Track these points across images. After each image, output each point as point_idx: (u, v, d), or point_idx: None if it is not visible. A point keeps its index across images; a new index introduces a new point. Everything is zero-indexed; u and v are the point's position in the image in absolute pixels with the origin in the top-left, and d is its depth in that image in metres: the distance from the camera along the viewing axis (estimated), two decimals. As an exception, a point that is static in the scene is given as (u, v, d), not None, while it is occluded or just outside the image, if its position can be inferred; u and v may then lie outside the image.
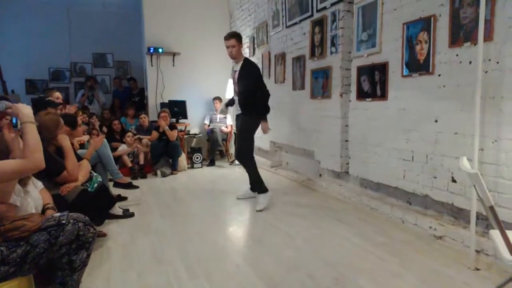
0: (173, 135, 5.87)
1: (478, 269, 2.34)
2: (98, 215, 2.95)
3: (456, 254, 2.57)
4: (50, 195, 2.33)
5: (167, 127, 5.85)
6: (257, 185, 3.96)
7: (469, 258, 2.41)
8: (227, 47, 3.92)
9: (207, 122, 7.01)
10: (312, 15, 4.55)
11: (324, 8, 4.27)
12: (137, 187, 4.83)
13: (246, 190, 4.22)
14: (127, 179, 4.98)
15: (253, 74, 3.92)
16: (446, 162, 2.85)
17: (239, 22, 7.10)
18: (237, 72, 3.95)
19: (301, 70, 4.87)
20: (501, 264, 2.25)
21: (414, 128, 3.16)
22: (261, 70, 5.09)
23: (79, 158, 3.05)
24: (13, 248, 1.65)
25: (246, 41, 6.71)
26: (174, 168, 5.86)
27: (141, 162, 5.74)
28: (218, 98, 6.96)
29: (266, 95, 3.99)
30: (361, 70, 3.79)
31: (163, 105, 6.79)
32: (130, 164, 5.60)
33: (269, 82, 5.27)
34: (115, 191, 4.39)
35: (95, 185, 2.97)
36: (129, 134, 5.88)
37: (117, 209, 3.54)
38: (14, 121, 1.72)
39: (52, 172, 2.61)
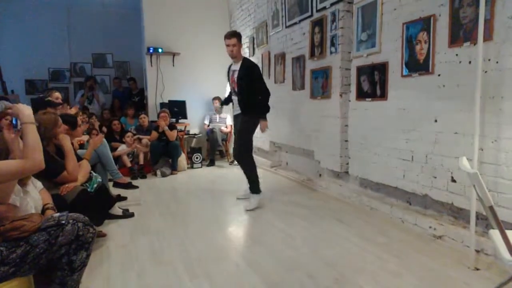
0: (172, 135, 5.87)
1: (477, 269, 2.35)
2: (97, 215, 2.95)
3: (456, 254, 2.57)
4: (50, 195, 2.34)
5: (167, 127, 5.85)
6: (253, 185, 3.97)
7: (469, 258, 2.42)
8: (228, 46, 3.91)
9: (206, 122, 7.02)
10: (311, 15, 4.55)
11: (324, 8, 4.27)
12: (136, 187, 4.85)
13: (246, 190, 4.21)
14: (127, 179, 4.99)
15: (254, 73, 3.92)
16: (446, 162, 2.85)
17: (239, 22, 7.10)
18: (236, 72, 3.95)
19: (301, 70, 4.87)
20: (501, 264, 2.24)
21: (413, 128, 3.16)
22: (260, 70, 5.09)
23: (79, 158, 3.05)
24: (12, 248, 1.65)
25: (246, 41, 6.71)
26: (174, 168, 5.87)
27: (141, 162, 5.75)
28: (218, 98, 6.95)
29: (267, 94, 4.00)
30: (360, 70, 3.79)
31: (162, 105, 6.80)
32: (129, 164, 5.60)
33: (269, 82, 5.25)
34: (114, 191, 4.40)
35: (95, 185, 2.98)
36: (129, 134, 5.88)
37: (116, 209, 3.54)
38: (14, 121, 1.72)
39: (52, 172, 2.62)
